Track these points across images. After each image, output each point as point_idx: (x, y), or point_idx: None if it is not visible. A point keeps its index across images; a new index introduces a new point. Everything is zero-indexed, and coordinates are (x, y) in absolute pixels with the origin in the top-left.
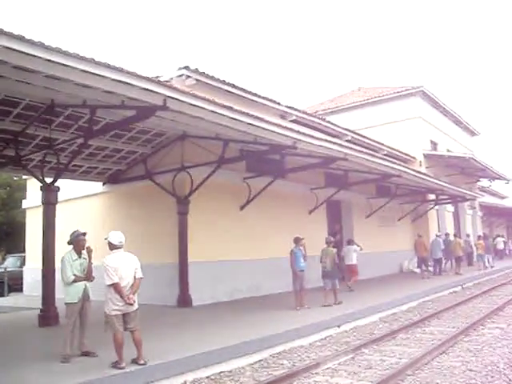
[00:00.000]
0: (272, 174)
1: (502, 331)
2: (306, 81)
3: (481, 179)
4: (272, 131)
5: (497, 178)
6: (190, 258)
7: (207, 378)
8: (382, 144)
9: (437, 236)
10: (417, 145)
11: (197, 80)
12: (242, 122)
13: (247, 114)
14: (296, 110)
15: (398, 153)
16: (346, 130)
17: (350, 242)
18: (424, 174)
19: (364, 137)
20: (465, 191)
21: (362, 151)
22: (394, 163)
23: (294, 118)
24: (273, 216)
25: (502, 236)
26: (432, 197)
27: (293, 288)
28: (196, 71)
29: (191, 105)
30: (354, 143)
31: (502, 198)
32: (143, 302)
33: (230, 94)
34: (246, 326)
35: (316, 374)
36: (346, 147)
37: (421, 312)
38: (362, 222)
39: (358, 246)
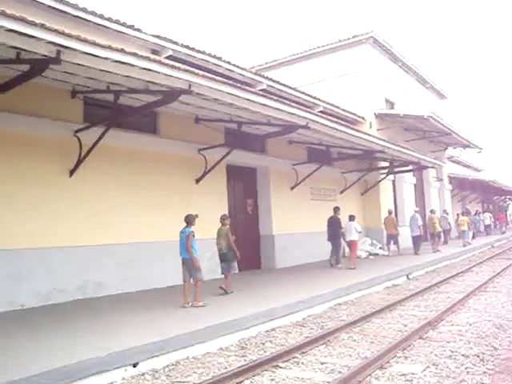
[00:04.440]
0: (112, 122)
1: None
2: (257, 40)
3: (449, 147)
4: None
5: (467, 146)
6: None
7: None
8: (318, 99)
9: (415, 211)
10: (367, 103)
11: None
12: None
13: None
14: (173, 42)
15: (338, 110)
16: (258, 75)
17: (352, 218)
18: (350, 129)
19: (288, 87)
20: (418, 155)
21: (226, 82)
22: (300, 109)
23: (171, 53)
24: (132, 185)
25: (490, 211)
26: (385, 166)
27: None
28: None
29: None
30: (278, 96)
31: (478, 170)
32: None
33: (64, 14)
34: None
35: None
36: (193, 73)
37: (315, 327)
38: (284, 195)
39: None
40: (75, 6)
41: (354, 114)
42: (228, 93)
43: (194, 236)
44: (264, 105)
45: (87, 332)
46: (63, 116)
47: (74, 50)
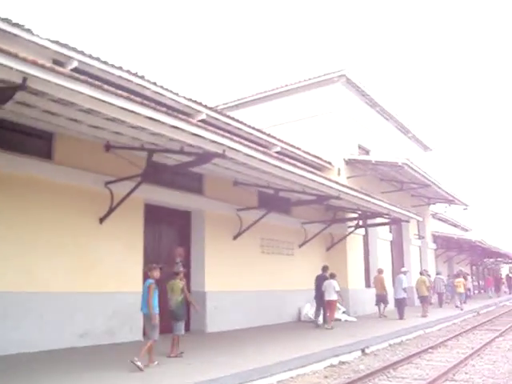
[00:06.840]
0: None
1: None
2: (224, 80)
3: (432, 202)
4: None
5: (451, 202)
6: None
7: None
8: (274, 137)
9: (401, 272)
10: (337, 147)
11: None
12: None
13: None
14: (79, 52)
15: (300, 152)
16: (194, 102)
17: (333, 276)
18: (292, 166)
19: (237, 121)
20: (386, 205)
21: (72, 76)
22: (214, 133)
23: (76, 65)
24: (2, 219)
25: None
26: (353, 217)
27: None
28: None
29: None
30: (226, 131)
31: (466, 230)
32: None
33: None
34: None
35: None
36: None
37: None
38: (224, 246)
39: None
40: None
41: (318, 158)
42: (81, 92)
43: (155, 289)
44: (151, 118)
45: None
46: None
47: None
